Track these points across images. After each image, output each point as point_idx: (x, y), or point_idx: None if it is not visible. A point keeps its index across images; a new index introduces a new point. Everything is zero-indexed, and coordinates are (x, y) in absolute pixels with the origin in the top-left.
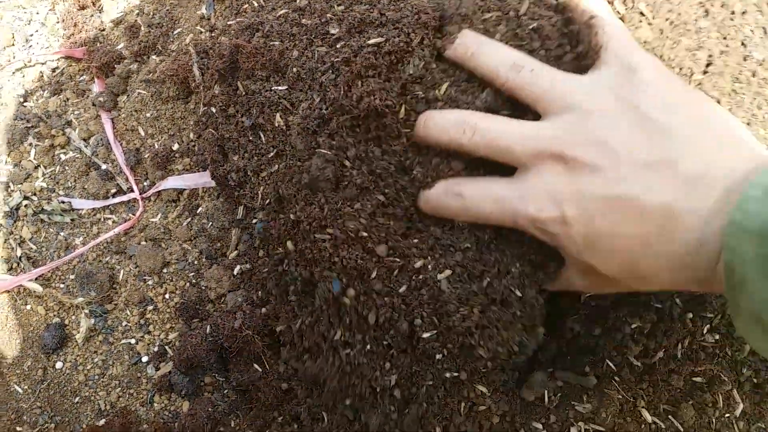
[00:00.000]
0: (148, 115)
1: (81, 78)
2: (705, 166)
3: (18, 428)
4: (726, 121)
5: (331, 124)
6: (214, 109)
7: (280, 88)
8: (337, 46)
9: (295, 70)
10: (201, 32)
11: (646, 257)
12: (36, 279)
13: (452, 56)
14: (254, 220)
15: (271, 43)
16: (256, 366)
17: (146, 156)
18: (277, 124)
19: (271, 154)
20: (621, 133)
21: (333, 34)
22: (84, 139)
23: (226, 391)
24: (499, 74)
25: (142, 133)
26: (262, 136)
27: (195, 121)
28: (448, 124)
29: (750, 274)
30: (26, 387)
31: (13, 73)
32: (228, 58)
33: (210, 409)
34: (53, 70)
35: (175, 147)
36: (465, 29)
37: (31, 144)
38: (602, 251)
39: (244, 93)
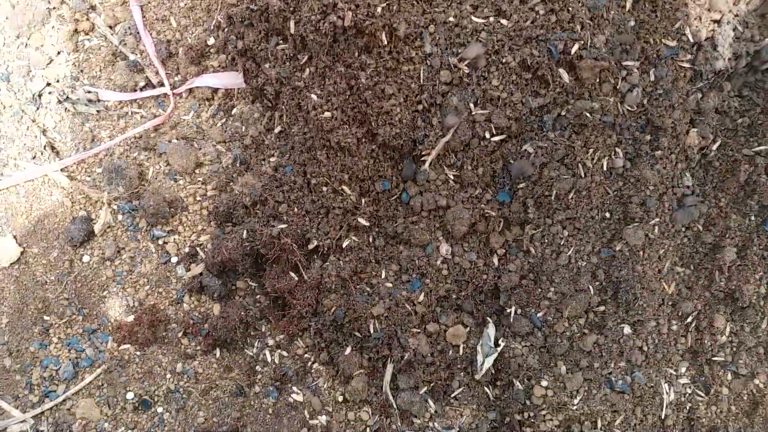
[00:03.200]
0: (181, 4)
1: None
2: None
3: (45, 317)
4: None
5: None
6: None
7: None
8: None
9: None
10: None
11: None
12: (61, 170)
13: None
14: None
15: None
16: (292, 274)
17: (179, 49)
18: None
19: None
20: None
21: None
22: (110, 26)
23: (258, 297)
24: None
25: (175, 24)
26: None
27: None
28: None
29: None
30: (53, 278)
31: None
32: None
33: (242, 313)
34: None
35: (211, 41)
36: None
37: (53, 27)
38: None
39: None
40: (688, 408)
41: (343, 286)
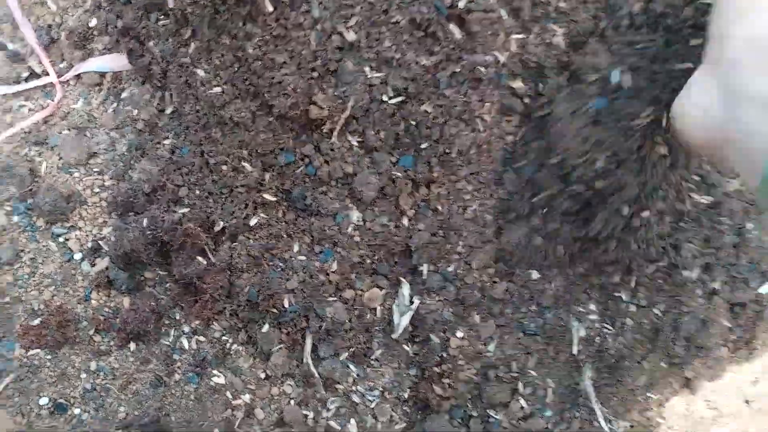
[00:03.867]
0: None
1: None
2: None
3: None
4: None
5: None
6: None
7: None
8: None
9: None
10: None
11: None
12: None
13: None
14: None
15: None
16: (200, 258)
17: (61, 33)
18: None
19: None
20: None
21: None
22: None
23: (168, 285)
24: None
25: (54, 7)
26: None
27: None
28: None
29: None
30: None
31: None
32: None
33: (153, 303)
34: None
35: (93, 23)
36: None
37: None
38: None
39: None
40: (597, 342)
41: (255, 264)
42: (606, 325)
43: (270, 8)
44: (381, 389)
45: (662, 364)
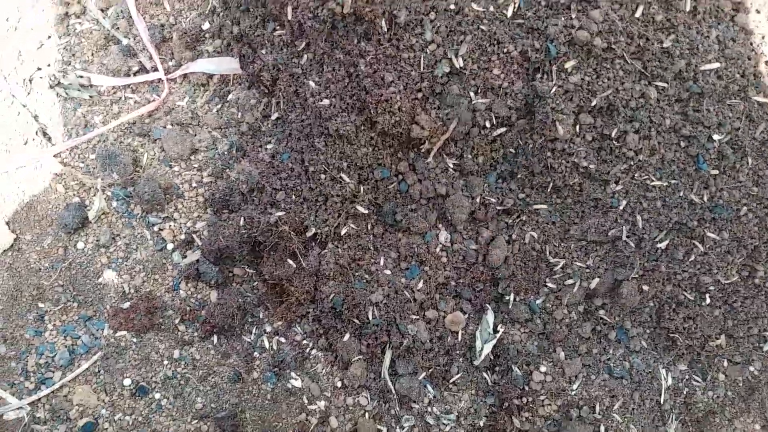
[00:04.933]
0: None
1: None
2: None
3: (40, 304)
4: None
5: None
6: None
7: None
8: None
9: None
10: None
11: None
12: (54, 156)
13: None
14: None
15: None
16: (290, 261)
17: (173, 33)
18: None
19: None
20: None
21: None
22: (102, 10)
23: (255, 284)
24: None
25: (168, 8)
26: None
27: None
28: None
29: None
30: (47, 265)
31: None
32: None
33: (240, 300)
34: None
35: (206, 26)
36: None
37: (43, 10)
38: None
39: None
40: (685, 393)
41: (341, 273)
42: (696, 377)
43: (385, 28)
44: (457, 414)
45: (756, 426)
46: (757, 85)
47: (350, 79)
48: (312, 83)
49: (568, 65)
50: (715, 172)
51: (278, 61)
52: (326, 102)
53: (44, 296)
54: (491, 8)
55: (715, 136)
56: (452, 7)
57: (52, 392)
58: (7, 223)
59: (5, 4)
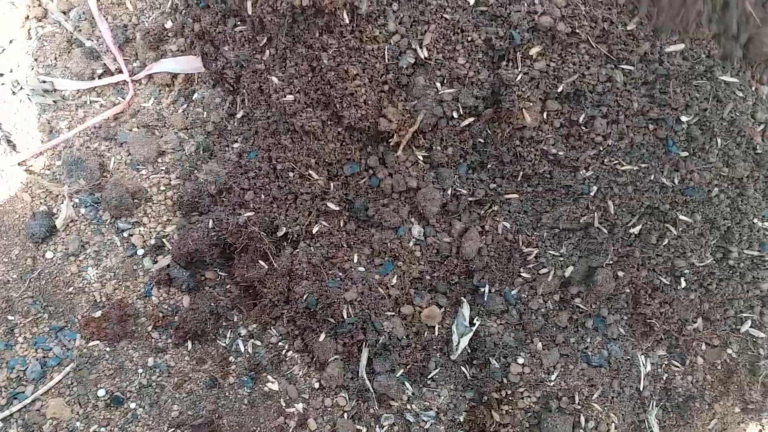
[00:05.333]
0: None
1: None
2: None
3: (10, 317)
4: None
5: None
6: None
7: None
8: None
9: None
10: None
11: None
12: (18, 164)
13: None
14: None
15: None
16: (261, 263)
17: (136, 34)
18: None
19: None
20: None
21: None
22: (63, 12)
23: (228, 287)
24: None
25: (131, 8)
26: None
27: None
28: None
29: None
30: (15, 276)
31: None
32: None
33: (212, 304)
34: None
35: (168, 25)
36: None
37: (3, 14)
38: None
39: None
40: (664, 379)
41: (314, 272)
42: (674, 362)
43: (347, 20)
44: (436, 410)
45: (736, 409)
46: (723, 66)
47: (314, 73)
48: (275, 79)
49: (533, 52)
50: (685, 154)
51: (240, 57)
52: (290, 98)
53: (13, 308)
54: None
55: (683, 118)
56: None
57: (25, 407)
58: None
59: None
